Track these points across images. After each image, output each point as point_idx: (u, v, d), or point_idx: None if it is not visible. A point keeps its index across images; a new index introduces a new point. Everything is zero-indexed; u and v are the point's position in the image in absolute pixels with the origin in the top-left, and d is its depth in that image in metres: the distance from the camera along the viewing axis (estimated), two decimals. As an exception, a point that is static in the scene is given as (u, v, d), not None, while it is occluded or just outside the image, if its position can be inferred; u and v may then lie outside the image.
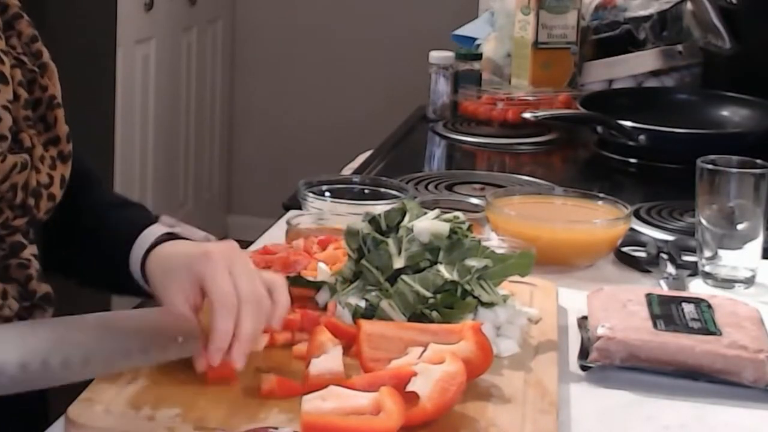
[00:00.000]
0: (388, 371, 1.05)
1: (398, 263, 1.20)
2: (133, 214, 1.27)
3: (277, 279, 1.14)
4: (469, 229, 1.24)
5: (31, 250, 1.19)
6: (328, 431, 0.96)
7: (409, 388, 1.01)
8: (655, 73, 2.45)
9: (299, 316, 1.19)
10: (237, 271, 1.09)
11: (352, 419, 0.97)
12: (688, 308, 1.26)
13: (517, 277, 1.27)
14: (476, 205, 1.61)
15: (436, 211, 1.25)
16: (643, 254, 1.55)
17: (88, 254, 1.26)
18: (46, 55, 1.23)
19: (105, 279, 1.28)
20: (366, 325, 1.13)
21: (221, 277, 1.08)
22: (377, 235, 1.23)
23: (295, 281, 1.24)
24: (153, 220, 1.24)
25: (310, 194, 1.57)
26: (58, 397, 1.13)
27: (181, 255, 1.14)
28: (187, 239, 1.20)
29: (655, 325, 1.21)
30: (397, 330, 1.13)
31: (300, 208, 1.59)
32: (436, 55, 2.46)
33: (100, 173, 1.35)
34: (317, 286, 1.25)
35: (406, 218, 1.24)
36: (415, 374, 1.02)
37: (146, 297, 1.21)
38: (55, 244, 1.26)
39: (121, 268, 1.20)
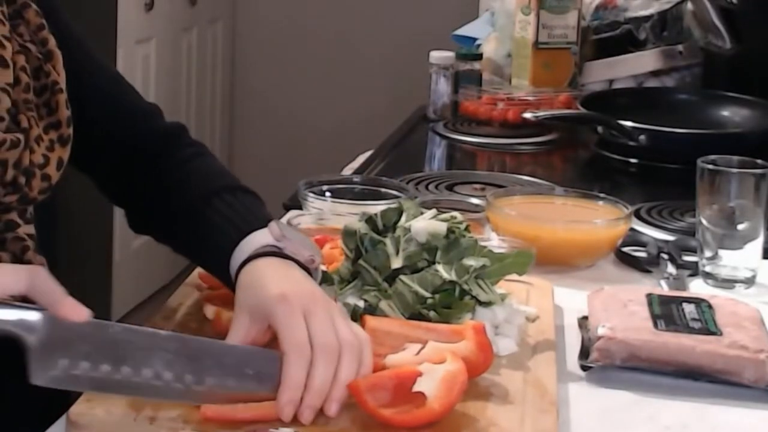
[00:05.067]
0: (392, 371, 1.05)
1: (396, 263, 1.20)
2: (243, 205, 1.23)
3: (363, 337, 1.07)
4: (467, 228, 1.24)
5: (25, 230, 1.19)
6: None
7: (416, 388, 1.01)
8: (655, 73, 2.45)
9: None
10: (314, 320, 1.05)
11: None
12: (689, 308, 1.26)
13: (514, 276, 1.27)
14: (476, 205, 1.61)
15: (433, 211, 1.25)
16: (643, 254, 1.55)
17: (189, 234, 1.24)
18: (52, 43, 1.24)
19: (202, 262, 1.27)
20: (371, 321, 1.13)
21: (296, 324, 1.04)
22: (375, 235, 1.22)
23: None
24: (262, 221, 1.19)
25: (311, 194, 1.57)
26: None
27: (259, 287, 1.09)
28: (289, 258, 1.15)
29: (655, 325, 1.21)
30: (402, 327, 1.13)
31: (300, 208, 1.59)
32: (436, 55, 2.45)
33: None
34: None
35: (403, 218, 1.24)
36: (421, 374, 1.02)
37: None
38: (145, 206, 1.29)
39: (223, 263, 1.17)
